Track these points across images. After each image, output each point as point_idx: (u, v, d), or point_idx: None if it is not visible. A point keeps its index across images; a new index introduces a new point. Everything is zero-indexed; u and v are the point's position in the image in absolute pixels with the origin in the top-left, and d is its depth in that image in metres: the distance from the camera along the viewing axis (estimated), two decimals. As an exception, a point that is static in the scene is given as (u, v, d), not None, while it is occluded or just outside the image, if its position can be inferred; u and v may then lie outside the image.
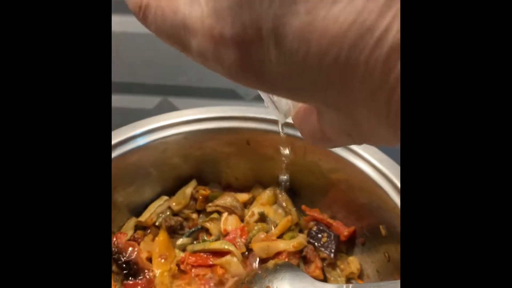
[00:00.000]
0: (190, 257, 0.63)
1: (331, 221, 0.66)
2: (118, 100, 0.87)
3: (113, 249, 0.61)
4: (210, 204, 0.69)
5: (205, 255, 0.64)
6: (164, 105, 0.86)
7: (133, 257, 0.59)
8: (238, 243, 0.64)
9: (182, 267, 0.62)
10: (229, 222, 0.67)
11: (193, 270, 0.62)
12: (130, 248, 0.60)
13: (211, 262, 0.63)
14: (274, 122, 0.65)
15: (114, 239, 0.62)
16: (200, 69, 0.84)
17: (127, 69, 0.84)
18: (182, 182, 0.72)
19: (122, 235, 0.62)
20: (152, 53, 0.81)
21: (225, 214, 0.69)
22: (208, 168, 0.72)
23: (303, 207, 0.68)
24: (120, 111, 0.87)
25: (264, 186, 0.73)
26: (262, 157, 0.70)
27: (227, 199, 0.69)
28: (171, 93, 0.86)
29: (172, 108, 0.86)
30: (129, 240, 0.64)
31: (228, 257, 0.62)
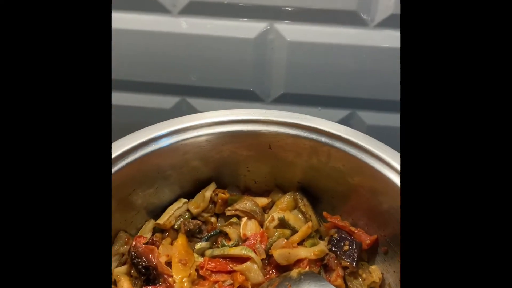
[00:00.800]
0: (209, 262, 0.62)
1: (353, 228, 0.65)
2: (135, 99, 0.87)
3: (132, 253, 0.60)
4: (229, 208, 0.68)
5: (225, 261, 0.63)
6: (182, 105, 0.85)
7: (153, 262, 0.59)
8: (258, 249, 0.63)
9: (201, 272, 0.61)
10: (248, 227, 0.66)
11: (212, 276, 0.61)
12: (150, 254, 0.59)
13: (230, 268, 0.62)
14: (298, 126, 0.64)
15: (134, 242, 0.61)
16: (218, 69, 0.83)
17: (145, 68, 0.83)
18: (201, 185, 0.71)
19: (141, 238, 0.62)
20: (171, 53, 0.80)
21: (244, 219, 0.68)
22: (227, 171, 0.71)
23: (324, 213, 0.67)
24: (138, 110, 0.87)
25: (284, 191, 0.72)
26: (282, 162, 0.69)
27: (246, 203, 0.68)
28: (189, 94, 0.85)
29: (190, 109, 0.85)
30: (147, 243, 0.63)
31: (248, 263, 0.61)
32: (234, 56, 0.78)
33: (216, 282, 0.61)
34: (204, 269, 0.61)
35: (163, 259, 0.61)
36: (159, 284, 0.58)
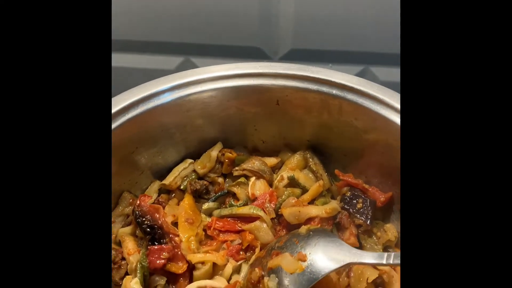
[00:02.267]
0: (217, 222, 0.60)
1: (366, 186, 0.62)
2: (136, 60, 0.83)
3: (137, 212, 0.58)
4: (237, 168, 0.66)
5: (233, 221, 0.60)
6: (186, 65, 0.82)
7: (158, 221, 0.56)
8: (267, 209, 0.61)
9: (209, 232, 0.59)
10: (257, 187, 0.64)
11: (220, 236, 0.59)
12: (156, 214, 0.57)
13: (239, 228, 0.60)
14: (307, 79, 0.60)
15: (138, 201, 0.59)
16: (224, 26, 0.79)
17: (146, 26, 0.79)
18: (206, 145, 0.68)
19: (146, 197, 0.59)
20: (172, 9, 0.76)
21: (252, 179, 0.65)
22: (234, 131, 0.68)
23: (336, 171, 0.63)
24: (140, 72, 0.83)
25: (293, 150, 0.69)
26: (291, 119, 0.65)
27: (255, 163, 0.65)
28: (194, 53, 0.81)
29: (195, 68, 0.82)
30: (153, 203, 0.61)
31: (257, 222, 0.59)
32: (238, 10, 0.74)
33: (224, 241, 0.59)
34: (212, 228, 0.59)
35: (169, 219, 0.59)
36: (165, 244, 0.56)
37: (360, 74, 0.79)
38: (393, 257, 0.46)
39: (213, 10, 0.75)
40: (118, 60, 0.82)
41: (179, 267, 0.56)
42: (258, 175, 0.65)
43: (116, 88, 0.85)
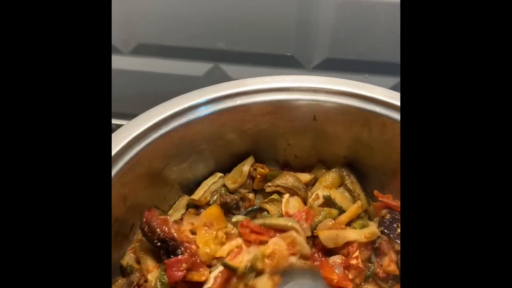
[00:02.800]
0: (250, 225, 0.54)
1: (407, 209, 0.58)
2: (164, 65, 0.80)
3: (144, 228, 0.54)
4: (269, 184, 0.63)
5: (266, 229, 0.55)
6: (214, 72, 0.79)
7: (169, 233, 0.53)
8: (302, 226, 0.57)
9: (241, 230, 0.54)
10: (291, 205, 0.61)
11: (252, 236, 0.53)
12: (164, 226, 0.53)
13: (272, 236, 0.55)
14: (348, 95, 0.57)
15: (143, 218, 0.55)
16: (256, 32, 0.75)
17: (175, 31, 0.76)
18: (236, 160, 0.65)
19: (152, 211, 0.55)
20: (203, 14, 0.73)
21: (286, 195, 0.62)
22: (266, 145, 0.65)
23: (375, 192, 0.60)
24: (167, 78, 0.81)
25: (327, 167, 0.66)
26: (327, 134, 0.62)
27: (288, 179, 0.62)
28: (223, 59, 0.78)
29: (223, 76, 0.79)
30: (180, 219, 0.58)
31: (293, 232, 0.54)
32: (273, 16, 0.70)
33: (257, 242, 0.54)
34: (244, 227, 0.54)
35: (187, 227, 0.56)
36: (181, 255, 0.52)
37: (396, 86, 0.75)
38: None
39: (246, 15, 0.72)
40: (147, 64, 0.79)
41: (201, 275, 0.53)
42: (292, 192, 0.62)
43: (142, 93, 0.84)
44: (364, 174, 0.64)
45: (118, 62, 0.79)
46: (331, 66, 0.75)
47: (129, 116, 0.57)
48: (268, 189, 0.63)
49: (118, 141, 0.51)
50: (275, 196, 0.62)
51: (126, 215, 0.56)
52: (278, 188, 0.62)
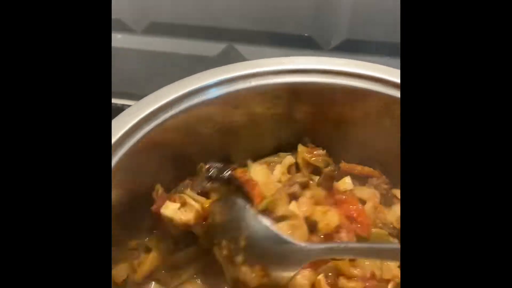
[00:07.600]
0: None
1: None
2: (175, 45, 0.78)
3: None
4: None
5: None
6: (228, 52, 0.76)
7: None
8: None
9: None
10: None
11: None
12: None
13: None
14: (368, 78, 0.54)
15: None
16: (273, 11, 0.72)
17: (187, 9, 0.73)
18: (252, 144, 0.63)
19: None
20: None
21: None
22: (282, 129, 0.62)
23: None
24: (179, 57, 0.78)
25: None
26: (346, 120, 0.59)
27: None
28: (237, 39, 0.75)
29: (238, 56, 0.76)
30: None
31: None
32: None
33: None
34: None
35: None
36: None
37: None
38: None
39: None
40: (158, 44, 0.77)
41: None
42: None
43: (153, 72, 0.81)
44: (383, 163, 0.61)
45: (130, 41, 0.77)
46: (350, 47, 0.71)
47: (140, 97, 0.55)
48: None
49: (126, 121, 0.49)
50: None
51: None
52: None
